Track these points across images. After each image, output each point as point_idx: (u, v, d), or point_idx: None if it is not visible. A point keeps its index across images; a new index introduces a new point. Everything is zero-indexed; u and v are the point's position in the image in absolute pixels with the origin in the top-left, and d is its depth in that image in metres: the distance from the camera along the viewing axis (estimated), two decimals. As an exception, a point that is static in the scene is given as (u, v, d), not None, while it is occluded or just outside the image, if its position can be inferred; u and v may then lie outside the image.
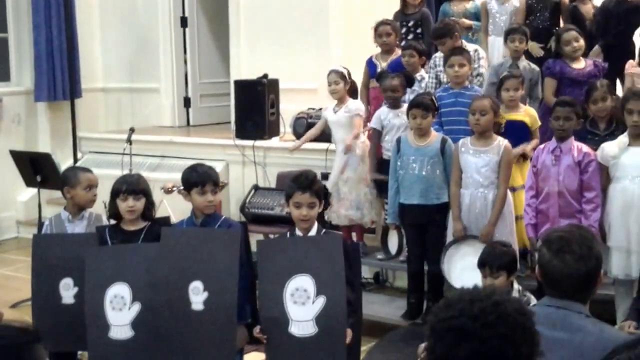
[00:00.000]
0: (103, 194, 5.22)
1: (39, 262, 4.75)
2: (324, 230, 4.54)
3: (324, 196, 4.53)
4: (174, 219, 5.42)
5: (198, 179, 4.67)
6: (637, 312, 4.62)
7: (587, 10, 7.19)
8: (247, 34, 9.38)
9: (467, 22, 7.46)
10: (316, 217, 4.46)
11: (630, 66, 6.33)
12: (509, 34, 6.70)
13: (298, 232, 4.46)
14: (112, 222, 4.95)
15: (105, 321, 4.42)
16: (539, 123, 6.06)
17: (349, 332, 4.19)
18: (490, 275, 4.62)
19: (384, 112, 6.57)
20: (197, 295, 4.35)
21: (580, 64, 6.43)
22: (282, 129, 8.46)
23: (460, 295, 2.09)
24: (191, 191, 4.68)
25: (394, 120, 6.48)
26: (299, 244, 4.36)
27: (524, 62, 6.63)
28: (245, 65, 9.30)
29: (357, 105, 6.83)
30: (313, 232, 4.43)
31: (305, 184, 4.40)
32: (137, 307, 4.44)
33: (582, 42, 6.38)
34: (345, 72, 6.85)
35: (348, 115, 6.75)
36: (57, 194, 5.39)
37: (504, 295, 2.09)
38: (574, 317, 2.78)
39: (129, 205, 4.73)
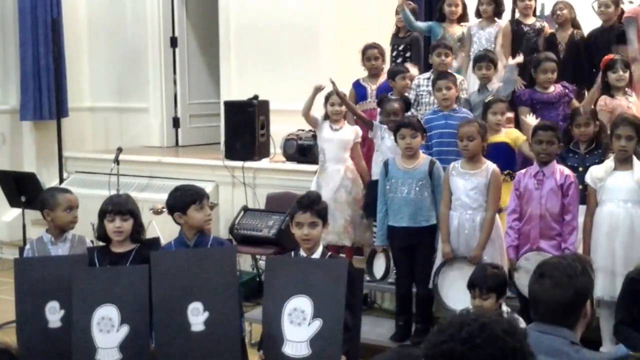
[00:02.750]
0: (90, 214, 5.28)
1: (22, 287, 4.76)
2: (329, 254, 4.66)
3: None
4: (163, 241, 5.49)
5: (196, 195, 4.81)
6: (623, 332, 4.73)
7: (564, 37, 7.38)
8: (238, 55, 9.51)
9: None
10: (320, 238, 4.58)
11: (604, 103, 6.50)
12: (476, 61, 6.93)
13: (302, 253, 4.57)
14: (100, 243, 5.01)
15: (92, 343, 4.49)
16: (523, 138, 6.20)
17: (344, 358, 4.28)
18: (480, 296, 4.71)
19: (382, 127, 6.68)
20: (197, 316, 4.45)
21: (550, 89, 6.70)
22: (272, 150, 8.60)
23: (451, 319, 2.18)
24: (188, 210, 4.76)
25: (386, 139, 6.59)
26: (304, 265, 4.49)
27: (492, 86, 6.83)
28: (236, 86, 9.43)
29: (359, 131, 6.99)
30: (317, 253, 4.56)
31: (306, 203, 4.54)
32: (125, 329, 4.50)
33: (555, 74, 6.68)
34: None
35: (352, 139, 6.91)
36: (42, 214, 5.43)
37: (493, 317, 2.16)
38: (558, 342, 2.85)
39: (116, 226, 4.81)
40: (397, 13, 7.81)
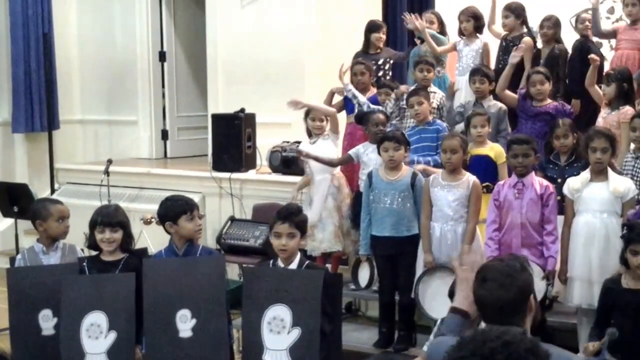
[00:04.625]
0: (81, 225, 5.28)
1: (15, 296, 4.77)
2: (306, 263, 4.66)
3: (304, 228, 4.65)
4: (152, 250, 5.50)
5: (186, 206, 4.83)
6: (598, 335, 4.79)
7: (545, 52, 7.45)
8: (225, 69, 9.53)
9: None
10: (297, 249, 4.59)
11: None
12: (471, 75, 6.98)
13: (280, 263, 4.57)
14: (92, 252, 5.01)
15: (81, 350, 4.50)
16: (504, 159, 6.23)
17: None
18: (461, 305, 4.71)
19: (365, 145, 6.73)
20: (185, 322, 4.48)
21: (543, 102, 6.72)
22: (258, 162, 8.62)
23: (474, 335, 2.14)
24: (179, 220, 4.77)
25: (371, 154, 6.63)
26: (281, 274, 4.49)
27: (489, 102, 6.85)
28: (223, 100, 9.44)
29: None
30: (295, 263, 4.56)
31: (285, 214, 4.54)
32: (113, 335, 4.51)
33: (547, 85, 6.69)
34: None
35: (330, 144, 6.91)
36: (35, 224, 5.44)
37: (517, 336, 2.11)
38: None
39: (106, 237, 4.83)
40: (375, 31, 7.86)
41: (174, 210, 4.81)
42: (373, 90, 7.39)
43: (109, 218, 4.86)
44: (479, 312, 3.04)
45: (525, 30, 7.60)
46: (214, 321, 4.50)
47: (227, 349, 4.60)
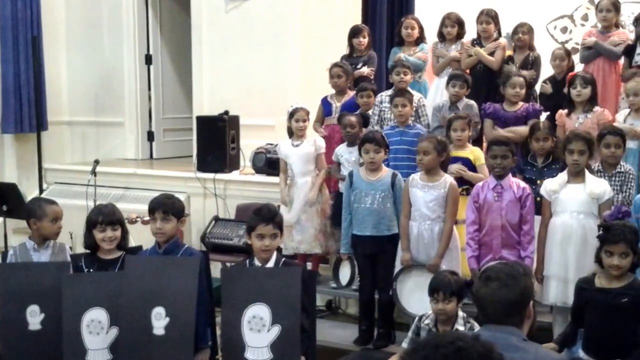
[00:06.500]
0: (68, 223, 5.22)
1: (5, 291, 4.71)
2: (283, 260, 4.61)
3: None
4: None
5: (149, 206, 4.78)
6: (564, 338, 4.79)
7: (520, 59, 7.45)
8: (210, 72, 9.49)
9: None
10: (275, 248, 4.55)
11: (559, 116, 6.60)
12: (451, 79, 6.96)
13: (257, 262, 4.52)
14: (79, 251, 4.96)
15: (82, 346, 4.45)
16: (483, 161, 6.22)
17: (303, 359, 4.27)
18: (443, 300, 4.74)
19: (340, 148, 6.73)
20: (159, 320, 4.42)
21: (515, 107, 6.72)
22: (242, 163, 8.57)
23: (427, 340, 2.10)
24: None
25: (347, 155, 6.62)
26: (259, 274, 4.43)
27: (462, 102, 6.86)
28: (207, 102, 9.40)
29: (322, 142, 6.97)
30: (272, 262, 4.51)
31: (268, 216, 4.49)
32: (114, 331, 4.48)
33: (524, 90, 6.71)
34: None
35: (313, 151, 6.86)
36: (24, 223, 5.38)
37: (470, 341, 2.08)
38: (512, 339, 2.84)
39: (108, 235, 4.77)
40: (355, 36, 7.82)
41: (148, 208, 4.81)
42: (350, 94, 7.36)
43: (110, 216, 4.81)
44: (478, 312, 3.01)
45: (497, 36, 7.62)
46: (184, 321, 4.43)
47: (192, 349, 4.52)
